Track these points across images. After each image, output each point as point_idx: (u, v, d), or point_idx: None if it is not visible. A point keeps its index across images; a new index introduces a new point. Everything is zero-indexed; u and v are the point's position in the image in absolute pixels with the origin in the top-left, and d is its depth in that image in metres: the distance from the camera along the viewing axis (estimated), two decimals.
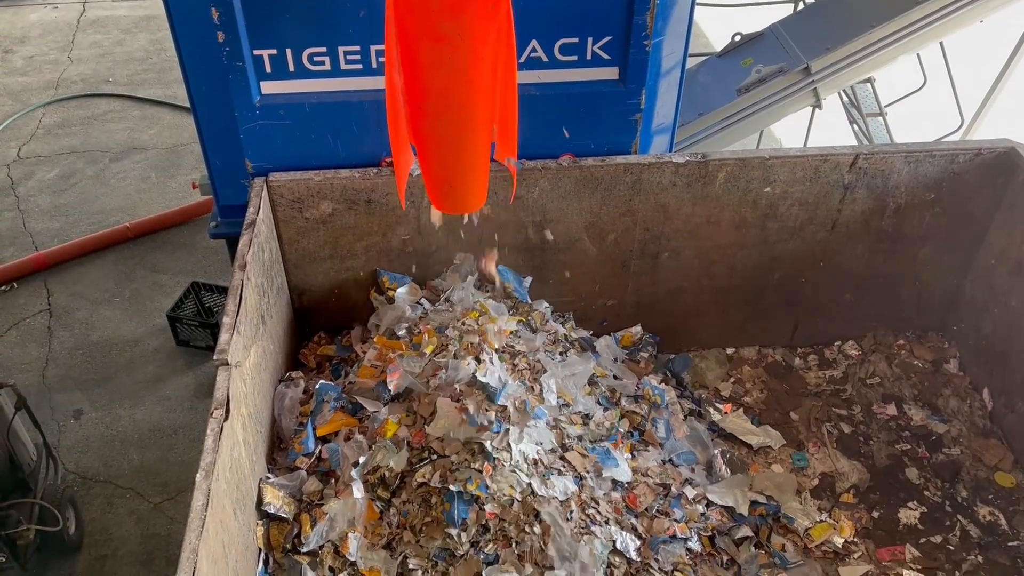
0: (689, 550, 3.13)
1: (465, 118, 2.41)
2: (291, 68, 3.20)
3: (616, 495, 3.16)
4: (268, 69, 3.20)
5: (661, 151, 3.68)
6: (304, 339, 3.80)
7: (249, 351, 2.91)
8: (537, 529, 2.87)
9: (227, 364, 2.64)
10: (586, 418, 3.42)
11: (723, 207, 3.63)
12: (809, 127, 5.85)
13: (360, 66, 3.21)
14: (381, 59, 3.17)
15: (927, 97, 5.64)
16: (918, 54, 5.28)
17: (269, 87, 3.24)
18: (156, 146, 6.98)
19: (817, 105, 5.00)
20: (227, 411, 2.54)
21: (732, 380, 4.03)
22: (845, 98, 5.81)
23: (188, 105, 3.37)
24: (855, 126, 5.89)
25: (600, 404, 3.53)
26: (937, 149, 3.64)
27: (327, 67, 3.21)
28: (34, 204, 6.28)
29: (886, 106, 5.60)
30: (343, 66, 3.21)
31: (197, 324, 4.98)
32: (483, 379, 3.13)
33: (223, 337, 2.69)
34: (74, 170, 6.66)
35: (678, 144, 4.16)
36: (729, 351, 4.16)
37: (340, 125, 3.34)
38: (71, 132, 7.15)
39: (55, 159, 6.79)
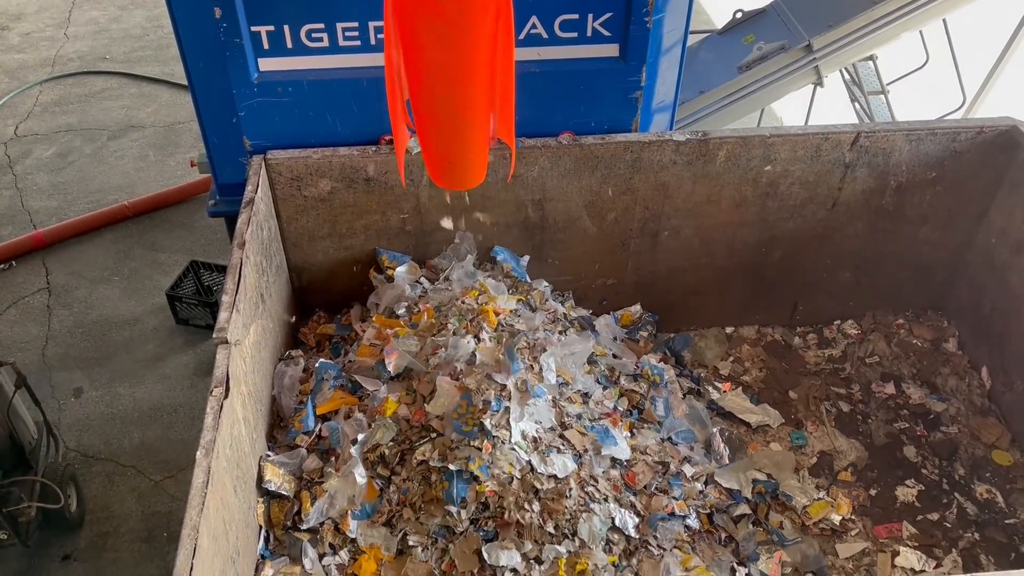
0: (687, 527, 3.15)
1: (464, 94, 2.39)
2: (289, 45, 3.18)
3: (615, 473, 3.18)
4: (266, 46, 3.17)
5: (662, 129, 3.66)
6: (303, 318, 3.80)
7: (248, 329, 2.91)
8: (536, 506, 2.89)
9: (226, 342, 2.64)
10: (585, 397, 3.42)
11: (723, 186, 3.62)
12: (810, 105, 5.83)
13: (359, 43, 3.19)
14: (380, 35, 3.15)
15: (929, 75, 5.61)
16: (921, 31, 5.25)
17: (267, 64, 3.22)
18: (154, 124, 6.95)
19: (819, 83, 4.98)
20: (227, 389, 2.54)
21: (731, 359, 4.03)
22: (847, 76, 5.78)
23: (186, 83, 3.35)
24: (856, 104, 5.86)
25: (599, 383, 3.53)
26: (939, 127, 3.62)
27: (325, 44, 3.18)
28: (32, 182, 6.26)
29: (888, 84, 5.57)
30: (341, 43, 3.19)
31: (196, 303, 4.98)
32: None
33: (222, 315, 2.68)
34: (72, 148, 6.63)
35: (679, 122, 4.14)
36: (728, 330, 4.17)
37: (338, 102, 3.32)
38: (68, 110, 7.11)
39: (52, 137, 6.76)
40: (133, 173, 6.38)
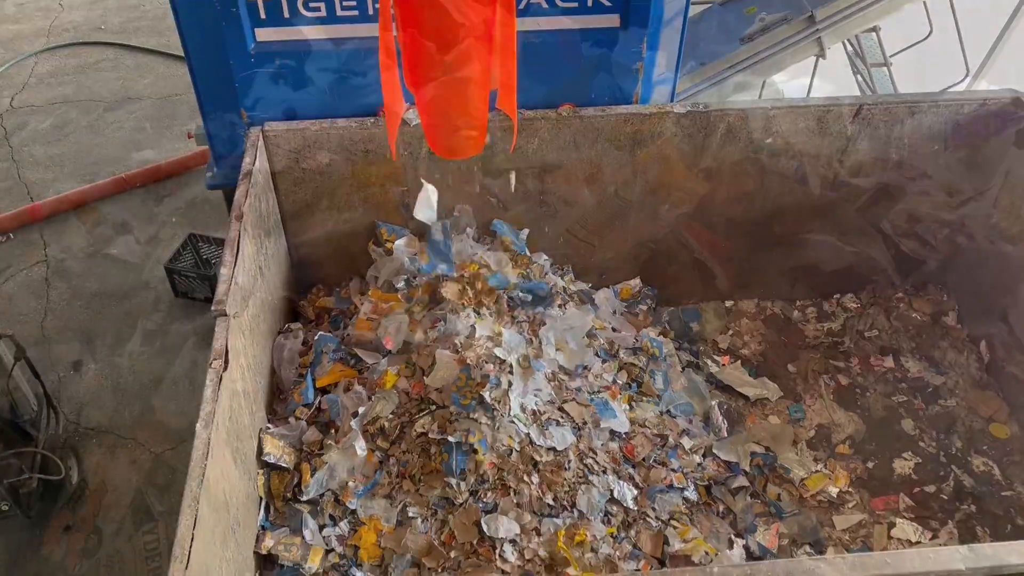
0: (685, 499, 3.17)
1: (463, 65, 2.38)
2: (286, 14, 3.14)
3: (614, 445, 3.19)
4: (262, 15, 3.13)
5: (662, 101, 3.62)
6: (302, 291, 3.79)
7: (247, 302, 2.90)
8: (535, 478, 2.90)
9: (225, 315, 2.64)
10: (585, 370, 3.43)
11: (724, 158, 3.60)
12: (812, 77, 5.78)
13: (356, 12, 3.15)
14: (378, 5, 3.11)
15: (932, 47, 5.55)
16: (924, 2, 5.19)
17: (264, 34, 3.18)
18: (151, 96, 6.89)
19: (821, 55, 4.93)
20: (226, 361, 2.54)
21: (730, 332, 4.04)
22: (849, 48, 5.72)
23: (182, 54, 3.31)
24: (859, 76, 5.81)
25: (599, 356, 3.54)
26: (942, 100, 3.59)
27: (323, 13, 3.15)
28: (28, 154, 6.22)
29: (891, 56, 5.52)
30: (339, 12, 3.15)
31: (195, 275, 4.96)
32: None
33: (220, 288, 2.68)
34: (68, 120, 6.58)
35: (679, 94, 4.10)
36: (728, 304, 4.16)
37: (336, 73, 3.29)
38: (64, 81, 7.05)
39: (48, 109, 6.71)
40: (130, 145, 6.34)
